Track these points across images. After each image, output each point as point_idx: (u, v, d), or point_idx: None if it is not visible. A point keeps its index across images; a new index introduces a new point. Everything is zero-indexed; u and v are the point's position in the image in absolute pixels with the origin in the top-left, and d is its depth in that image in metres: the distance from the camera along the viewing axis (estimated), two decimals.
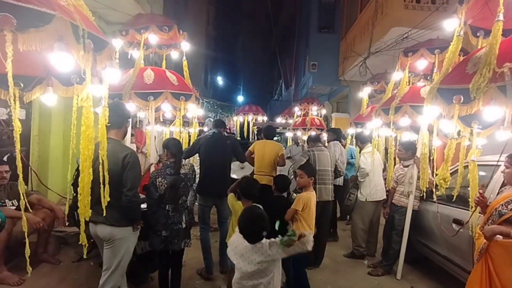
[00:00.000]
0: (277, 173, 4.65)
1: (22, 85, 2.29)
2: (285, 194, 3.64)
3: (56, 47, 1.36)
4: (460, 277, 3.16)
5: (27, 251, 1.73)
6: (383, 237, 4.10)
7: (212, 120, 6.69)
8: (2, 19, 1.20)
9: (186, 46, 4.30)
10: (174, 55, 4.50)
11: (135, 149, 7.77)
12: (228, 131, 13.95)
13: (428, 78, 3.98)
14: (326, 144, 5.62)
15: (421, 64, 3.68)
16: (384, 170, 4.52)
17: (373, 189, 4.32)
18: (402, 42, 5.74)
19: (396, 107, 3.55)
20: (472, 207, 2.50)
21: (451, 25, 2.62)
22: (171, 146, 3.00)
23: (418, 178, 3.57)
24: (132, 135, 7.43)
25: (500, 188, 2.52)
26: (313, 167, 3.36)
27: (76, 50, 1.43)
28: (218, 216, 3.86)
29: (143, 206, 2.91)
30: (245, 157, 4.53)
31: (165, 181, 2.84)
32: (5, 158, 3.74)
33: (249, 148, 4.96)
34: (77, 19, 1.45)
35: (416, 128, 3.95)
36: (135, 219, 2.48)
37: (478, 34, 2.63)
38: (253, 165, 5.03)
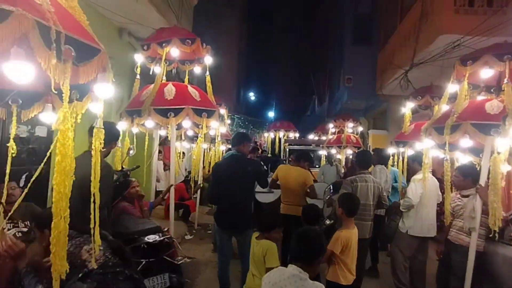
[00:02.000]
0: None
1: (20, 101, 2.09)
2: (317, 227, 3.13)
3: (13, 54, 1.04)
4: None
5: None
6: (437, 281, 3.42)
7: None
8: (66, 51, 0.98)
9: (209, 60, 4.04)
10: (197, 70, 4.27)
11: (162, 167, 7.67)
12: (259, 147, 13.61)
13: (492, 90, 3.34)
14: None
15: (485, 73, 3.05)
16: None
17: (418, 223, 3.65)
18: (452, 51, 5.08)
19: (453, 125, 2.95)
20: None
21: None
22: None
23: (483, 212, 2.91)
24: (159, 152, 7.34)
25: None
26: (354, 204, 2.79)
27: (45, 58, 1.10)
28: (238, 249, 3.40)
29: None
30: (268, 184, 4.00)
31: None
32: (23, 177, 3.62)
33: (273, 176, 4.50)
34: (50, 18, 1.13)
35: (477, 150, 3.30)
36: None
37: None
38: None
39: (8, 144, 2.01)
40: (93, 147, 1.47)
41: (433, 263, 3.86)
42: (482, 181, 2.96)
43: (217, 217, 3.38)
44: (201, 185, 6.74)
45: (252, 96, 26.17)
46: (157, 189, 6.68)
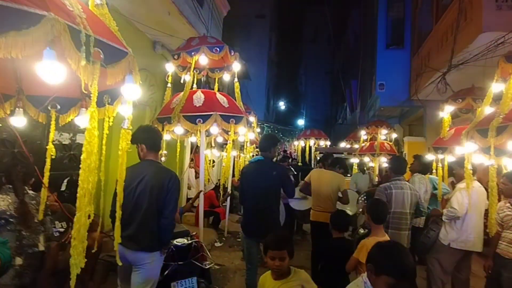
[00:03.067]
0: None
1: (58, 106, 2.22)
2: (346, 235, 2.98)
3: (46, 55, 1.10)
4: None
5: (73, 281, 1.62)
6: None
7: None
8: (95, 53, 1.06)
9: (237, 67, 4.09)
10: (227, 78, 4.33)
11: (193, 175, 7.81)
12: (289, 156, 13.47)
13: None
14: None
15: None
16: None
17: (463, 235, 3.36)
18: (496, 50, 4.74)
19: (499, 126, 2.71)
20: None
21: None
22: None
23: None
24: (191, 160, 7.50)
25: None
26: (381, 211, 2.63)
27: (75, 60, 1.15)
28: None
29: None
30: (293, 193, 3.86)
31: None
32: (65, 181, 3.83)
33: (305, 178, 4.40)
34: (80, 22, 1.18)
35: None
36: (166, 243, 2.47)
37: None
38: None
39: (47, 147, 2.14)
40: (120, 147, 1.50)
41: (479, 280, 3.53)
42: None
43: (243, 223, 3.35)
44: (231, 193, 6.76)
45: (282, 105, 26.16)
46: (188, 197, 6.80)
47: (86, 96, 2.18)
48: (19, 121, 2.22)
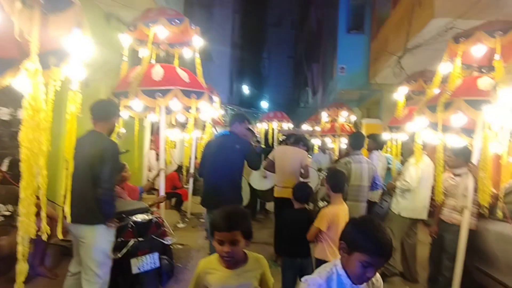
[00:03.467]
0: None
1: None
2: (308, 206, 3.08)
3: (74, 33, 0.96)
4: None
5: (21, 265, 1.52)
6: (430, 261, 3.41)
7: None
8: None
9: (198, 42, 3.94)
10: (188, 54, 4.16)
11: (154, 156, 7.56)
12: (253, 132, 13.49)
13: (483, 70, 3.31)
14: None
15: (477, 50, 3.02)
16: None
17: (411, 205, 3.65)
18: (445, 35, 5.04)
19: (447, 102, 2.92)
20: None
21: None
22: None
23: (475, 190, 2.90)
24: (151, 141, 7.23)
25: None
26: (339, 179, 2.75)
27: (9, 2, 1.02)
28: None
29: None
30: (258, 165, 3.88)
31: None
32: (6, 161, 3.52)
33: (269, 155, 4.46)
34: None
35: (469, 131, 3.28)
36: (109, 214, 2.36)
37: None
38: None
39: None
40: (67, 111, 1.39)
41: (425, 246, 3.86)
42: (475, 160, 2.94)
43: (203, 196, 3.34)
44: (194, 174, 6.66)
45: (245, 88, 26.00)
46: (149, 179, 6.59)
47: (26, 57, 1.97)
48: None
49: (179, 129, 6.92)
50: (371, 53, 9.84)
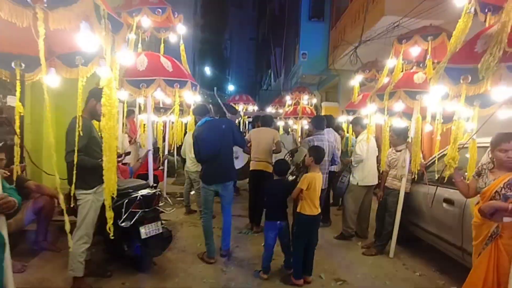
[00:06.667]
0: (274, 161, 4.73)
1: (23, 65, 2.26)
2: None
3: (83, 27, 1.36)
4: (447, 251, 3.37)
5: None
6: (376, 219, 4.26)
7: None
8: None
9: (182, 29, 4.23)
10: (172, 38, 4.38)
11: (127, 140, 7.72)
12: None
13: (421, 65, 4.11)
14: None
15: (415, 50, 3.78)
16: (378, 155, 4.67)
17: (365, 174, 4.47)
18: (394, 31, 5.84)
19: (391, 92, 3.67)
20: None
21: (460, 2, 2.49)
22: None
23: (410, 161, 3.73)
24: (124, 125, 7.36)
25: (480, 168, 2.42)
26: (321, 154, 3.35)
27: (99, 31, 1.43)
28: (221, 202, 3.86)
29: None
30: (245, 141, 4.46)
31: None
32: None
33: (246, 137, 5.02)
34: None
35: (409, 115, 4.10)
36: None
37: (486, 10, 2.47)
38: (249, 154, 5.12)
39: None
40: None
41: (372, 213, 4.70)
42: (411, 138, 3.76)
43: (204, 175, 3.74)
44: (168, 156, 7.00)
45: (208, 70, 25.86)
46: (123, 163, 6.80)
47: (54, 56, 2.29)
48: None
49: (155, 113, 7.14)
50: (330, 41, 10.55)
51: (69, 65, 2.24)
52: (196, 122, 4.04)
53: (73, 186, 2.37)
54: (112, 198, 1.96)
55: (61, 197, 3.48)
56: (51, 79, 2.26)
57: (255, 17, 27.20)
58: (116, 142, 1.68)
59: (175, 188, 7.99)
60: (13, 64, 2.22)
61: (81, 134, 2.26)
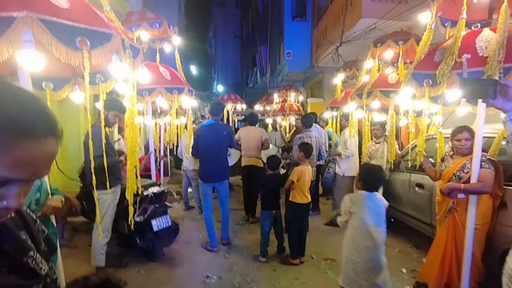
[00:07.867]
0: (265, 158, 5.15)
1: (52, 86, 2.61)
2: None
3: (114, 59, 1.73)
4: (420, 228, 3.89)
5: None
6: None
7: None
8: (80, 41, 1.57)
9: (177, 40, 4.59)
10: (167, 48, 4.76)
11: (123, 143, 7.97)
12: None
13: (395, 65, 4.59)
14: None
15: (388, 54, 4.26)
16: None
17: (351, 166, 4.94)
18: (370, 32, 6.31)
19: (368, 91, 4.13)
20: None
21: (425, 18, 2.99)
22: None
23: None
24: (120, 128, 7.60)
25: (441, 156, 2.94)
26: (310, 149, 3.79)
27: (125, 58, 1.81)
28: (218, 196, 4.26)
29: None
30: (234, 141, 4.86)
31: None
32: None
33: (235, 136, 5.41)
34: (122, 34, 1.82)
35: (387, 110, 4.58)
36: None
37: (446, 25, 2.97)
38: (240, 151, 5.52)
39: None
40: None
41: None
42: (387, 131, 4.24)
43: (202, 172, 4.14)
44: (164, 157, 7.31)
45: (193, 69, 25.96)
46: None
47: (77, 76, 2.65)
48: None
49: (150, 117, 7.42)
50: (313, 40, 10.98)
51: (91, 83, 2.59)
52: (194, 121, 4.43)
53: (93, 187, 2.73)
54: (134, 195, 2.34)
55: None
56: (76, 96, 2.62)
57: (238, 15, 27.36)
58: (137, 149, 2.05)
59: (170, 186, 8.32)
60: (43, 85, 2.56)
61: (104, 141, 2.61)
